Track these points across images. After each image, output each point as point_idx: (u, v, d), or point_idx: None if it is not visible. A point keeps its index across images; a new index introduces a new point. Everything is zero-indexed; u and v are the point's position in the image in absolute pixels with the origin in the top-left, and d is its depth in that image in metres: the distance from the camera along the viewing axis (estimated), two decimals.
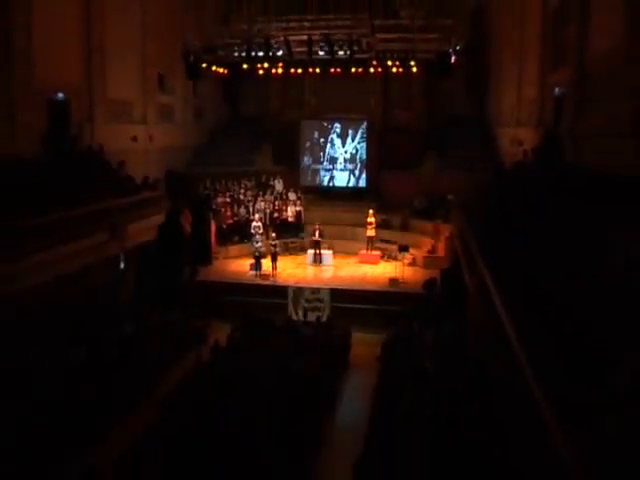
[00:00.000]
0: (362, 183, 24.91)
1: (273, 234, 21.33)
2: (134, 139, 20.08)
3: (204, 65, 19.76)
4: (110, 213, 15.49)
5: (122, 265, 18.26)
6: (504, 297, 8.52)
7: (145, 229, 17.75)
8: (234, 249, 22.53)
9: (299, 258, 22.36)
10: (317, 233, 21.46)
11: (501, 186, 14.92)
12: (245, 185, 24.39)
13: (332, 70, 20.23)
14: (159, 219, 18.50)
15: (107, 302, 17.07)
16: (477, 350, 11.90)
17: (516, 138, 18.17)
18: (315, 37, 18.22)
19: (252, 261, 20.38)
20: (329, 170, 25.15)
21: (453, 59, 17.99)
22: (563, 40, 14.52)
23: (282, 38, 18.49)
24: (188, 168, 24.46)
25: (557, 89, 14.56)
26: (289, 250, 22.79)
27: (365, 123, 24.71)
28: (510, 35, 20.84)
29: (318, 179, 25.36)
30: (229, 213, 22.84)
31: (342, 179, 25.10)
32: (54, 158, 15.63)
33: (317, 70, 20.32)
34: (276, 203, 23.82)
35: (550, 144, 13.57)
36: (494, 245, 11.36)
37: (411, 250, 20.94)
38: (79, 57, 17.51)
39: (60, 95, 16.42)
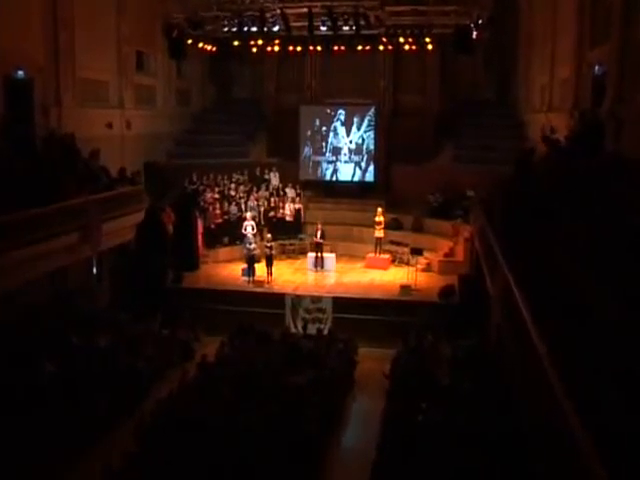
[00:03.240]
0: (369, 177, 24.92)
1: (268, 235, 21.28)
2: (109, 125, 20.10)
3: (189, 42, 19.76)
4: (81, 211, 15.43)
5: (95, 270, 18.21)
6: (532, 306, 8.43)
7: (122, 229, 17.77)
8: (224, 252, 22.53)
9: (298, 262, 22.40)
10: (318, 234, 21.42)
11: (528, 180, 14.84)
12: (237, 179, 24.37)
13: (335, 48, 20.26)
14: (138, 217, 18.50)
15: (78, 311, 17.02)
16: (501, 367, 11.83)
17: (547, 125, 18.08)
18: (316, 10, 18.20)
19: (244, 266, 20.38)
20: (332, 162, 25.14)
21: (475, 34, 17.92)
22: (605, 11, 14.38)
23: (278, 11, 18.47)
24: (171, 159, 24.51)
25: (597, 67, 14.50)
26: (286, 253, 22.83)
27: (373, 109, 24.68)
28: (542, 6, 20.77)
29: (319, 172, 25.36)
30: (218, 211, 22.77)
31: (347, 172, 25.09)
32: (14, 146, 15.50)
33: (318, 48, 20.33)
34: (272, 200, 23.84)
35: (589, 130, 13.44)
36: (520, 247, 11.29)
37: (425, 253, 20.93)
38: (43, 29, 17.27)
39: (20, 73, 16.22)
